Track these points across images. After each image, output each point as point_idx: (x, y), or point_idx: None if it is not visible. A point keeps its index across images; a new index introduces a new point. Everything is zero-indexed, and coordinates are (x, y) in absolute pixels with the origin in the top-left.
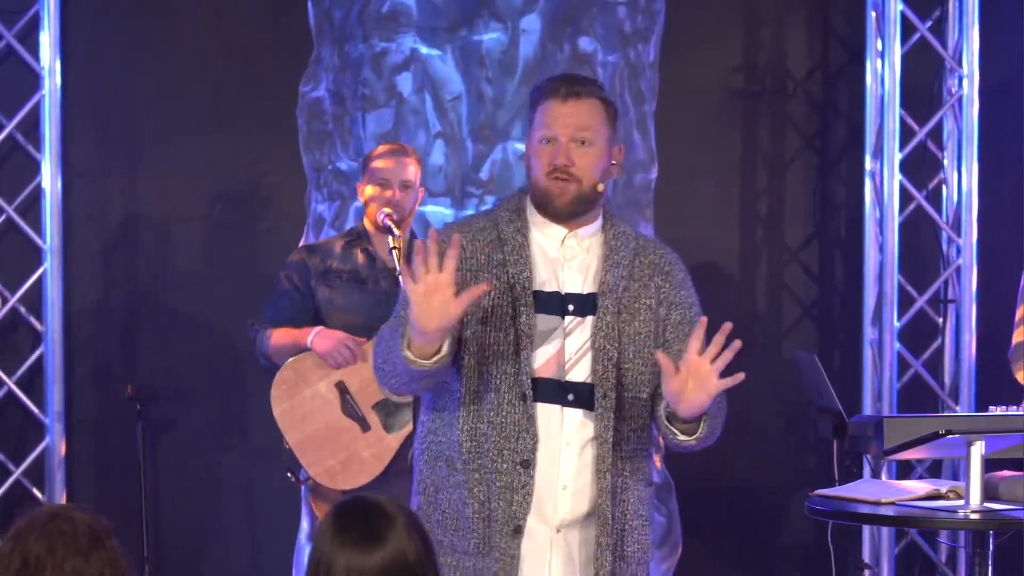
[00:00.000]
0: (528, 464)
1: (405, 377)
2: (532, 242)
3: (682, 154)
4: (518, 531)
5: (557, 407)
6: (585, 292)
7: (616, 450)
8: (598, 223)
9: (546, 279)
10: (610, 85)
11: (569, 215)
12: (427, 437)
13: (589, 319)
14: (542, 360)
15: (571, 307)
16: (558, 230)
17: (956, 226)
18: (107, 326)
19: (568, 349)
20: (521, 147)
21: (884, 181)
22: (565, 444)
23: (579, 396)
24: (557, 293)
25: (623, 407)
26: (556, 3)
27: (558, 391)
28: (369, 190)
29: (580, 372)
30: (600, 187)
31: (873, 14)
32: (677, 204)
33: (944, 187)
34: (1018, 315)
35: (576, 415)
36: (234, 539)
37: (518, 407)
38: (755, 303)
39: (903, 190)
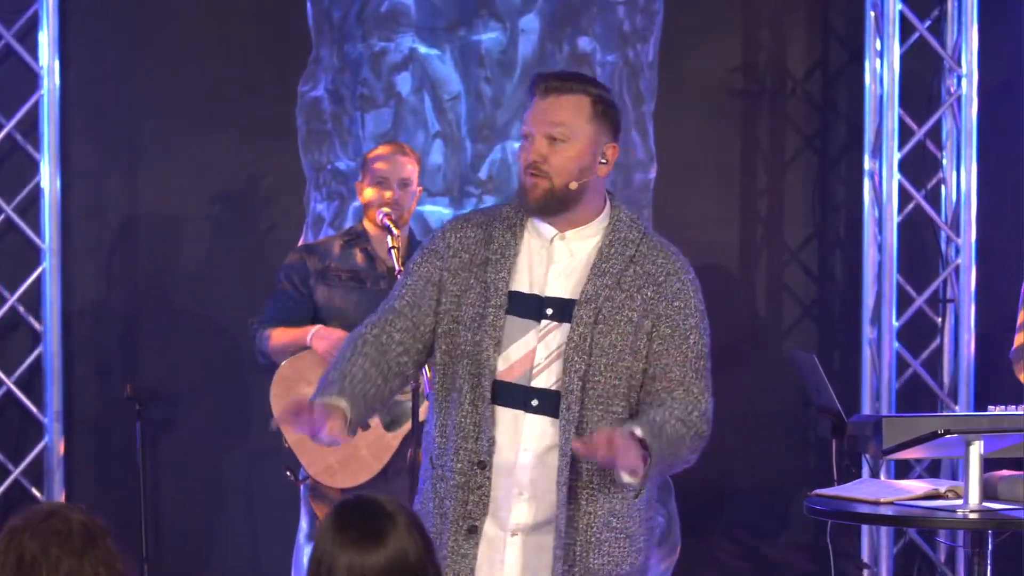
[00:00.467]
0: (484, 466)
1: None
2: (522, 241)
3: (681, 154)
4: (472, 531)
5: (519, 412)
6: (567, 297)
7: (583, 461)
8: (597, 225)
9: (527, 281)
10: (609, 85)
11: (539, 212)
12: (428, 428)
13: (565, 326)
14: (510, 363)
15: (549, 311)
16: (548, 230)
17: (955, 226)
18: (107, 326)
19: (539, 354)
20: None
21: (883, 181)
22: (523, 450)
23: (544, 403)
24: (536, 296)
25: (591, 419)
26: (555, 3)
27: (521, 396)
28: (368, 192)
29: (547, 379)
30: (573, 185)
31: (872, 14)
32: (677, 204)
33: (943, 187)
34: (1020, 319)
35: (537, 422)
36: (234, 539)
37: (479, 408)
38: (755, 303)
39: (902, 190)
